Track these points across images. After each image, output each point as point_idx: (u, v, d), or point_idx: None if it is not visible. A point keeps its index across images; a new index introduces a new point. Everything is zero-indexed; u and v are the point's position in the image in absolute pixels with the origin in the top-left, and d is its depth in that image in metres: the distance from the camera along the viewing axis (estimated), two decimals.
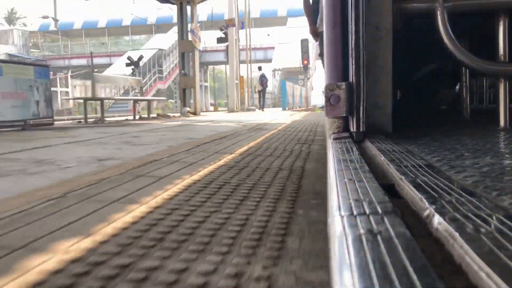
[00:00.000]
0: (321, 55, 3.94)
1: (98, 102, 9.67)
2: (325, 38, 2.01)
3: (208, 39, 25.71)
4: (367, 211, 0.67)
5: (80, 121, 8.27)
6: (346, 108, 1.84)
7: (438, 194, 0.75)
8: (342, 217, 0.65)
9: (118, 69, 25.62)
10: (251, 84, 20.44)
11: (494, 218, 0.60)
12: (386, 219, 0.62)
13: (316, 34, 4.25)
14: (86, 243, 0.94)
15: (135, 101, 10.66)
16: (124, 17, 38.61)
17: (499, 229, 0.55)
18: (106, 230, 1.03)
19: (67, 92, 28.11)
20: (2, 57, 26.47)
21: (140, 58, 20.85)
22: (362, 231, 0.57)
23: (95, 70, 24.20)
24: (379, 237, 0.54)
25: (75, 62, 35.04)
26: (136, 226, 1.06)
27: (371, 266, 0.45)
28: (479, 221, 0.58)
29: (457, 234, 0.53)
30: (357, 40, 1.78)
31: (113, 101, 22.78)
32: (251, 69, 20.19)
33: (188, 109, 11.65)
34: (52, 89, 7.87)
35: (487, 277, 0.42)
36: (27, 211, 1.22)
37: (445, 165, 1.11)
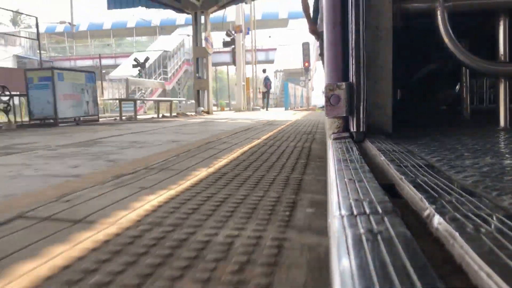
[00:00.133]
0: (321, 55, 3.94)
1: (116, 102, 10.71)
2: (325, 38, 2.01)
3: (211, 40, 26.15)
4: (367, 211, 0.67)
5: (116, 119, 9.42)
6: (346, 108, 1.84)
7: (438, 194, 0.75)
8: (342, 217, 0.65)
9: (125, 70, 25.99)
10: (256, 86, 21.76)
11: (494, 218, 0.60)
12: (386, 219, 0.62)
13: (316, 32, 4.25)
14: (208, 171, 1.87)
15: (158, 102, 11.95)
16: (128, 19, 38.86)
17: (499, 229, 0.55)
18: (209, 170, 1.90)
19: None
20: (10, 59, 26.86)
21: (146, 59, 21.65)
22: (362, 231, 0.57)
23: (103, 71, 24.46)
24: (379, 237, 0.54)
25: (80, 63, 35.18)
26: (224, 169, 1.92)
27: (371, 266, 0.45)
28: (479, 221, 0.58)
29: (457, 234, 0.53)
30: (357, 40, 1.78)
31: (116, 101, 23.18)
32: (256, 71, 21.57)
33: (202, 108, 12.87)
34: None
35: (487, 277, 0.42)
36: (166, 160, 2.29)
37: (445, 165, 1.11)
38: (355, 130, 1.82)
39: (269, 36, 33.49)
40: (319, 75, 30.08)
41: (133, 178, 1.74)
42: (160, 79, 27.63)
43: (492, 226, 0.56)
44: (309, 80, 23.59)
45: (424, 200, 0.71)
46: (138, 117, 10.11)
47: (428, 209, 0.68)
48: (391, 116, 2.02)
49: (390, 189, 0.89)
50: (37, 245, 0.91)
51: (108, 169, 2.07)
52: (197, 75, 13.24)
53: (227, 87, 23.78)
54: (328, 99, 1.87)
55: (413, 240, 0.53)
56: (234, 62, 18.43)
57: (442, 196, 0.73)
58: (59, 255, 0.84)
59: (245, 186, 1.50)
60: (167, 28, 36.60)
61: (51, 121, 6.79)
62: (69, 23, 30.59)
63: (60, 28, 37.50)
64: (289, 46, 31.18)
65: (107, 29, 38.99)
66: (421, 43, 3.31)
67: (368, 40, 1.88)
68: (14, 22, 50.76)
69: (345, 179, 0.92)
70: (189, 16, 13.42)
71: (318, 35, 4.15)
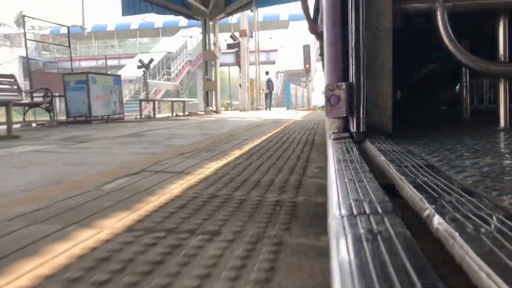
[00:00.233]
0: (321, 55, 3.94)
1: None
2: (325, 38, 2.01)
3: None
4: (367, 211, 0.67)
5: (136, 117, 10.47)
6: (346, 108, 1.84)
7: (438, 194, 0.75)
8: (342, 217, 0.65)
9: (130, 71, 26.22)
10: (259, 87, 22.90)
11: (494, 218, 0.60)
12: (386, 219, 0.62)
13: (315, 32, 4.26)
14: (241, 151, 2.67)
15: (173, 102, 12.97)
16: (132, 21, 39.03)
17: (499, 229, 0.55)
18: (241, 151, 2.62)
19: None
20: (17, 59, 27.22)
21: (151, 61, 22.56)
22: (362, 231, 0.57)
23: (109, 72, 24.85)
24: (379, 237, 0.54)
25: (84, 64, 35.27)
26: (252, 150, 2.68)
27: (371, 266, 0.45)
28: (479, 221, 0.58)
29: (457, 234, 0.53)
30: (357, 40, 1.78)
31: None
32: (259, 73, 22.62)
33: (211, 108, 14.07)
34: None
35: (487, 277, 0.42)
36: (207, 145, 3.01)
37: (445, 165, 1.11)
38: (355, 130, 1.82)
39: (270, 38, 33.74)
40: (319, 76, 30.31)
41: (193, 155, 2.54)
42: (164, 80, 28.16)
43: (492, 226, 0.56)
44: (310, 81, 24.31)
45: (424, 200, 0.71)
46: (159, 115, 11.41)
47: (428, 209, 0.68)
48: (391, 116, 2.02)
49: (390, 189, 0.89)
50: (161, 184, 1.65)
51: (171, 150, 2.87)
52: (206, 77, 14.35)
53: (228, 87, 24.19)
54: (328, 99, 1.86)
55: (413, 240, 0.53)
56: (237, 64, 20.08)
57: (442, 196, 0.73)
58: (175, 188, 1.56)
59: (270, 160, 2.27)
60: (169, 30, 36.82)
61: (84, 118, 7.71)
62: (81, 26, 31.20)
63: (64, 30, 37.77)
64: (290, 48, 31.57)
65: (111, 31, 39.28)
66: (421, 43, 3.31)
67: (368, 40, 1.87)
68: (18, 23, 50.90)
69: (345, 179, 0.92)
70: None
71: (318, 34, 4.15)
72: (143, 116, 10.16)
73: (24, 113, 8.34)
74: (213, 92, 14.29)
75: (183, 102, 13.96)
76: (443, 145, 1.56)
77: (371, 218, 0.63)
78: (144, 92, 25.47)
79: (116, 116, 8.68)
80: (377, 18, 1.98)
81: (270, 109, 19.87)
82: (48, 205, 1.34)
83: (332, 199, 0.78)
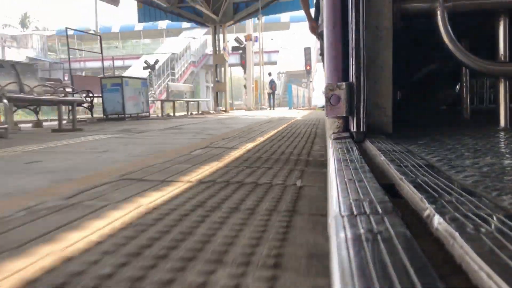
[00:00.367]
0: (322, 55, 3.95)
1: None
2: (325, 38, 2.01)
3: None
4: (367, 211, 0.67)
5: (158, 115, 11.74)
6: (346, 108, 1.84)
7: (438, 194, 0.75)
8: (342, 217, 0.65)
9: (135, 71, 26.64)
10: (263, 87, 24.38)
11: (494, 218, 0.60)
12: (386, 219, 0.62)
13: (315, 31, 4.26)
14: (263, 138, 3.52)
15: (188, 102, 14.23)
16: (136, 22, 39.38)
17: (499, 229, 0.55)
18: (263, 138, 3.46)
19: None
20: (24, 60, 27.69)
21: (156, 62, 22.90)
22: (362, 231, 0.57)
23: (116, 73, 25.12)
24: (379, 237, 0.54)
25: (90, 64, 35.33)
26: (271, 138, 3.52)
27: (371, 266, 0.45)
28: (479, 221, 0.58)
29: (457, 234, 0.53)
30: (357, 40, 1.78)
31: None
32: (263, 74, 24.10)
33: (221, 107, 15.50)
34: None
35: (488, 277, 0.42)
36: (235, 135, 3.87)
37: (445, 165, 1.11)
38: (355, 130, 1.82)
39: (271, 39, 33.98)
40: (320, 76, 30.45)
41: (231, 140, 3.33)
42: (168, 80, 28.70)
43: (492, 226, 0.56)
44: (311, 81, 25.13)
45: (424, 200, 0.71)
46: (178, 114, 12.42)
47: (428, 209, 0.68)
48: (391, 116, 2.02)
49: (390, 189, 0.89)
50: (224, 152, 2.52)
51: (213, 137, 3.71)
52: (216, 79, 15.79)
53: (231, 87, 24.74)
54: (328, 99, 1.86)
55: (413, 240, 0.53)
56: (242, 65, 21.87)
57: (442, 196, 0.73)
58: (233, 155, 2.36)
59: (287, 142, 3.10)
60: (173, 31, 37.08)
61: (118, 116, 8.85)
62: (94, 30, 31.64)
63: (70, 31, 38.00)
64: (291, 49, 31.95)
65: (115, 32, 39.58)
66: (421, 43, 3.31)
67: (368, 40, 1.87)
68: (23, 24, 51.00)
69: (345, 179, 0.92)
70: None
71: (318, 34, 4.16)
72: (164, 115, 11.49)
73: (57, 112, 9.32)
74: (223, 92, 15.86)
75: (197, 102, 15.55)
76: (443, 145, 1.56)
77: (371, 218, 0.63)
78: (150, 92, 25.91)
79: (143, 114, 9.89)
80: (377, 18, 1.98)
81: (273, 109, 21.09)
82: (172, 158, 2.31)
83: (332, 199, 0.78)
